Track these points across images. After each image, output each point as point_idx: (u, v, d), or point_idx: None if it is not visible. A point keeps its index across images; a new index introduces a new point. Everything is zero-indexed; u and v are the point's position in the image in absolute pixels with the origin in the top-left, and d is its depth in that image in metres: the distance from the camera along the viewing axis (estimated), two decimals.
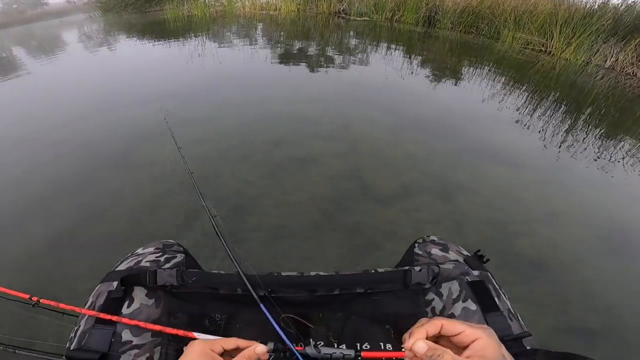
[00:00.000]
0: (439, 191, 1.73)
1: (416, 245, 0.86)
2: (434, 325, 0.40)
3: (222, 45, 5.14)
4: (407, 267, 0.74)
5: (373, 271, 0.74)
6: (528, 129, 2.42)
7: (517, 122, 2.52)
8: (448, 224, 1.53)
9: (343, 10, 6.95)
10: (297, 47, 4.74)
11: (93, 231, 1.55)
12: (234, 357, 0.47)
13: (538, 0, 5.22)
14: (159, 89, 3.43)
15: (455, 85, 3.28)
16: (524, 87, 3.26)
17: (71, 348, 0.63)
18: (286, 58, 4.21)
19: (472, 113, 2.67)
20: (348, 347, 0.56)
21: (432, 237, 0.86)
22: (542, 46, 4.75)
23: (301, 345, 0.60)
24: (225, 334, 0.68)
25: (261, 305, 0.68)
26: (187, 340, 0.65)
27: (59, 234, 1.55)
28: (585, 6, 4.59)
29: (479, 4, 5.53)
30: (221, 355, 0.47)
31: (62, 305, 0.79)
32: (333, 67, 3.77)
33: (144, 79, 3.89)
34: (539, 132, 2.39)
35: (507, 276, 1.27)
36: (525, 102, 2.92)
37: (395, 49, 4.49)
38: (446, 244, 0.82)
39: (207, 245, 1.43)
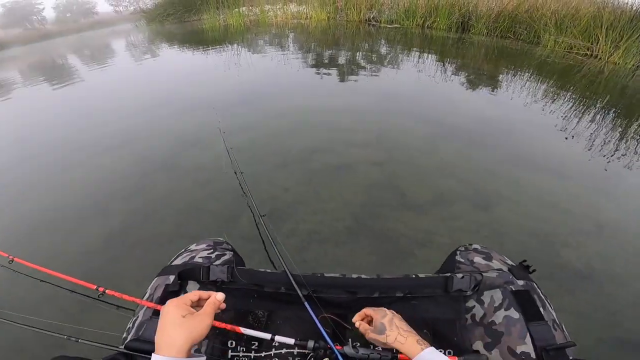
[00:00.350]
0: (477, 200, 1.69)
1: (458, 252, 0.88)
2: (362, 312, 0.69)
3: (257, 53, 5.35)
4: (448, 274, 0.76)
5: (414, 276, 0.77)
6: (574, 137, 2.32)
7: (562, 130, 2.42)
8: (487, 234, 1.49)
9: (373, 17, 7.00)
10: (328, 55, 4.84)
11: (142, 231, 1.67)
12: (200, 307, 0.57)
13: (579, 3, 4.98)
14: (199, 96, 3.63)
15: (493, 91, 3.20)
16: (569, 93, 3.11)
17: (129, 338, 0.67)
18: (318, 66, 4.30)
19: (512, 120, 2.59)
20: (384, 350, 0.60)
21: (475, 246, 0.88)
22: (587, 50, 4.51)
23: (339, 345, 0.64)
24: (267, 329, 0.71)
25: (305, 304, 0.72)
26: (232, 335, 0.71)
27: (112, 233, 1.68)
28: (632, 8, 4.32)
29: (515, 8, 5.36)
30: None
31: (125, 297, 0.87)
32: (365, 74, 3.80)
33: (185, 87, 4.13)
34: (587, 140, 2.27)
35: (551, 286, 1.23)
36: (570, 108, 2.79)
37: (428, 56, 4.45)
38: (489, 252, 0.83)
39: (245, 246, 1.50)
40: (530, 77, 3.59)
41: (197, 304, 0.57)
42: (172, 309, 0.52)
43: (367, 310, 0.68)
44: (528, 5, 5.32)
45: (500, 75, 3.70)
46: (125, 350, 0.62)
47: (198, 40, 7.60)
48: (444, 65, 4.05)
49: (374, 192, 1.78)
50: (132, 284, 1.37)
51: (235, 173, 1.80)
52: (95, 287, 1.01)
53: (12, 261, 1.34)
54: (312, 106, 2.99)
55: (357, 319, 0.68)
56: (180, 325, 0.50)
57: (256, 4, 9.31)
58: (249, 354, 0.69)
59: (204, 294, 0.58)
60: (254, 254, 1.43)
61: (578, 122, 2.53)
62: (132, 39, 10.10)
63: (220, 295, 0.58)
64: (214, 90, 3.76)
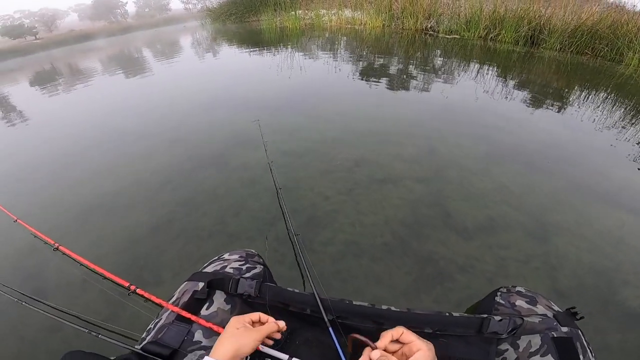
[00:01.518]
0: (532, 230, 1.55)
1: (498, 294, 0.83)
2: (397, 331, 0.55)
3: (309, 57, 5.46)
4: (485, 315, 0.71)
5: (447, 314, 0.73)
6: None
7: (637, 159, 2.12)
8: (538, 265, 1.37)
9: (431, 27, 6.75)
10: (380, 63, 4.77)
11: (186, 223, 1.75)
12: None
13: None
14: (252, 95, 3.79)
15: (561, 112, 2.90)
16: None
17: (147, 339, 0.67)
18: (368, 74, 4.26)
19: (580, 145, 2.33)
20: None
21: (519, 288, 0.83)
22: None
23: None
24: (285, 348, 0.69)
25: (330, 329, 0.70)
26: None
27: (159, 222, 1.77)
28: None
29: (596, 23, 4.84)
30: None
31: (153, 298, 0.87)
32: (416, 86, 3.68)
33: (240, 85, 4.34)
34: None
35: (601, 323, 1.13)
36: None
37: (489, 70, 4.18)
38: (534, 296, 0.78)
39: (278, 249, 1.51)
40: (606, 98, 3.20)
41: (256, 323, 0.62)
42: (232, 322, 0.59)
43: (407, 334, 0.54)
44: (611, 20, 4.77)
45: (571, 95, 3.35)
46: (140, 351, 0.62)
47: (255, 40, 7.96)
48: (505, 80, 3.78)
49: (418, 210, 1.70)
50: (168, 274, 1.44)
51: (276, 188, 1.83)
52: (127, 284, 1.04)
53: (57, 249, 1.38)
54: (360, 115, 2.96)
55: (385, 340, 0.54)
56: (232, 335, 0.56)
57: (312, 8, 9.52)
58: None
59: (264, 316, 0.63)
60: (284, 259, 1.45)
61: None
62: (198, 36, 10.91)
63: (281, 324, 0.62)
64: (266, 90, 3.90)
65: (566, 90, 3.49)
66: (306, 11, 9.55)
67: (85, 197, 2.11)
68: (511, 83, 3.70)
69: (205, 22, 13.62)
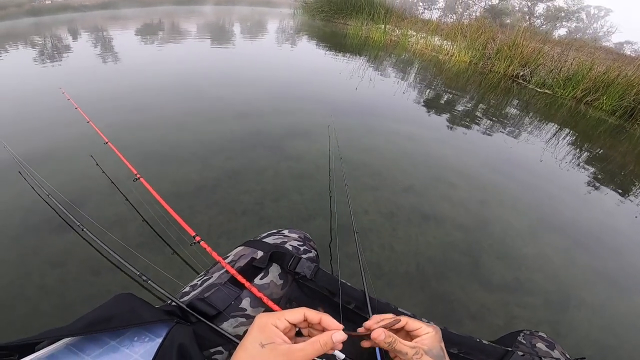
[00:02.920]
0: (555, 299, 1.52)
1: (521, 334, 0.87)
2: (401, 321, 0.49)
3: (381, 73, 5.46)
4: (510, 349, 0.74)
5: (478, 340, 0.74)
6: None
7: None
8: (546, 330, 1.36)
9: (522, 75, 6.34)
10: (451, 99, 4.61)
11: (226, 194, 1.84)
12: (302, 329, 0.45)
13: None
14: (318, 93, 3.91)
15: (628, 197, 2.61)
16: None
17: (192, 294, 0.67)
18: (436, 106, 4.15)
19: (637, 236, 2.15)
20: None
21: (541, 333, 0.87)
22: None
23: None
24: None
25: None
26: None
27: (203, 185, 1.89)
28: None
29: None
30: (288, 329, 0.42)
31: (214, 255, 0.85)
32: (484, 131, 3.50)
33: (309, 80, 4.52)
34: None
35: None
36: None
37: (568, 135, 3.83)
38: (554, 343, 0.82)
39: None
40: None
41: (309, 326, 0.45)
42: (255, 331, 0.40)
43: (412, 322, 0.49)
44: None
45: None
46: (184, 306, 0.60)
47: (336, 42, 8.15)
48: (581, 150, 3.46)
49: (449, 254, 1.68)
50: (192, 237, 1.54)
51: (345, 184, 1.82)
52: (194, 234, 0.99)
53: (137, 180, 1.32)
54: (420, 144, 2.92)
55: (379, 319, 0.48)
56: (252, 357, 0.38)
57: (401, 26, 9.47)
58: None
59: (312, 315, 0.44)
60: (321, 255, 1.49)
61: None
62: (284, 24, 11.46)
63: (338, 336, 0.42)
64: (333, 92, 4.00)
65: None
66: (395, 28, 9.53)
67: (147, 141, 2.33)
68: (585, 154, 3.39)
69: (297, 13, 14.23)
